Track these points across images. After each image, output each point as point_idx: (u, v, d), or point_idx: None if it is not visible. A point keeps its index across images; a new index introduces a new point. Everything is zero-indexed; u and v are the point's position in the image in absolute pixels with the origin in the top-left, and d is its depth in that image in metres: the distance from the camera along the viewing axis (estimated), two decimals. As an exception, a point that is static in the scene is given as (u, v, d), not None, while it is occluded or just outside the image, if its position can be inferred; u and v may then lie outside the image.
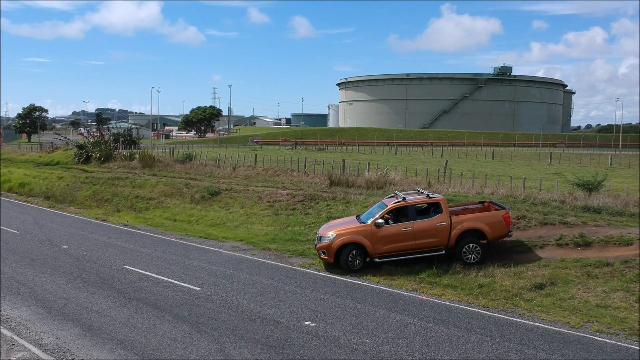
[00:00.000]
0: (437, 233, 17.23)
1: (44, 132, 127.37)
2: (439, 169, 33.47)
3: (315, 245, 18.24)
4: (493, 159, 67.75)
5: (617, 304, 13.88)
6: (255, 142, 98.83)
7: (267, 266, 18.25)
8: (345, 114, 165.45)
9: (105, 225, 26.22)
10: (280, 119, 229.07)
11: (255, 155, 43.08)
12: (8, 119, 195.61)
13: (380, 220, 17.24)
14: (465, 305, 14.20)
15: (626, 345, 11.67)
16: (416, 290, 15.43)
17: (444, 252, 17.41)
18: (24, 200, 35.45)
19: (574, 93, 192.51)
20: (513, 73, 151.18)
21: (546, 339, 11.93)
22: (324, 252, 17.54)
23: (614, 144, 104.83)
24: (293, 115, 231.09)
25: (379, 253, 17.28)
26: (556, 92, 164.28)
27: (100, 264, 18.43)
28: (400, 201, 17.67)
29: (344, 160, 38.23)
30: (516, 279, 15.81)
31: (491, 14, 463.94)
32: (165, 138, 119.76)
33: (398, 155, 72.15)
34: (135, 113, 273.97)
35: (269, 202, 26.64)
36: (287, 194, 27.03)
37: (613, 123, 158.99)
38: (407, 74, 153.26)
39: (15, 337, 11.97)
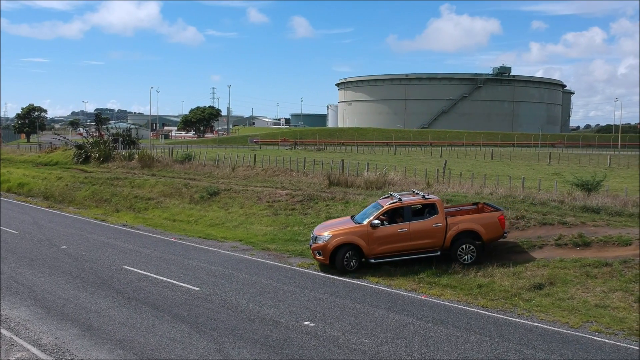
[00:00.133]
0: (433, 234, 17.22)
1: (43, 132, 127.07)
2: (438, 169, 33.48)
3: (310, 245, 18.14)
4: (492, 159, 67.78)
5: (616, 304, 13.90)
6: (255, 142, 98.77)
7: (266, 266, 18.25)
8: (345, 114, 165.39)
9: (105, 226, 26.20)
10: (279, 119, 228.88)
11: (255, 155, 43.03)
12: (7, 119, 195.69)
13: (376, 221, 17.20)
14: (464, 305, 14.20)
15: (625, 345, 11.68)
16: (415, 291, 15.44)
17: (439, 253, 17.43)
18: (23, 200, 35.41)
19: (573, 93, 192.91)
20: (512, 73, 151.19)
21: (545, 339, 11.94)
22: (319, 253, 17.41)
23: (613, 144, 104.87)
24: (292, 115, 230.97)
25: (374, 254, 17.25)
26: (555, 92, 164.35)
27: (100, 264, 18.42)
28: (396, 202, 17.66)
29: (343, 160, 38.20)
30: (515, 279, 15.82)
31: (490, 14, 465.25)
32: (165, 138, 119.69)
33: (397, 155, 72.14)
34: (135, 113, 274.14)
35: (268, 202, 26.65)
36: (286, 194, 27.03)
37: (612, 123, 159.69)
38: (407, 74, 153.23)
39: (15, 337, 11.97)
